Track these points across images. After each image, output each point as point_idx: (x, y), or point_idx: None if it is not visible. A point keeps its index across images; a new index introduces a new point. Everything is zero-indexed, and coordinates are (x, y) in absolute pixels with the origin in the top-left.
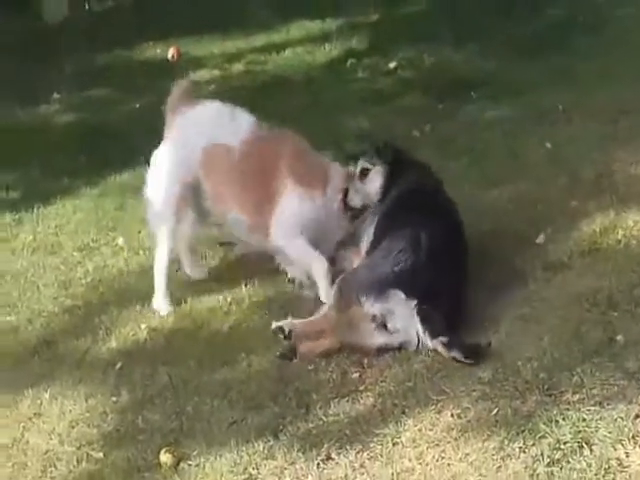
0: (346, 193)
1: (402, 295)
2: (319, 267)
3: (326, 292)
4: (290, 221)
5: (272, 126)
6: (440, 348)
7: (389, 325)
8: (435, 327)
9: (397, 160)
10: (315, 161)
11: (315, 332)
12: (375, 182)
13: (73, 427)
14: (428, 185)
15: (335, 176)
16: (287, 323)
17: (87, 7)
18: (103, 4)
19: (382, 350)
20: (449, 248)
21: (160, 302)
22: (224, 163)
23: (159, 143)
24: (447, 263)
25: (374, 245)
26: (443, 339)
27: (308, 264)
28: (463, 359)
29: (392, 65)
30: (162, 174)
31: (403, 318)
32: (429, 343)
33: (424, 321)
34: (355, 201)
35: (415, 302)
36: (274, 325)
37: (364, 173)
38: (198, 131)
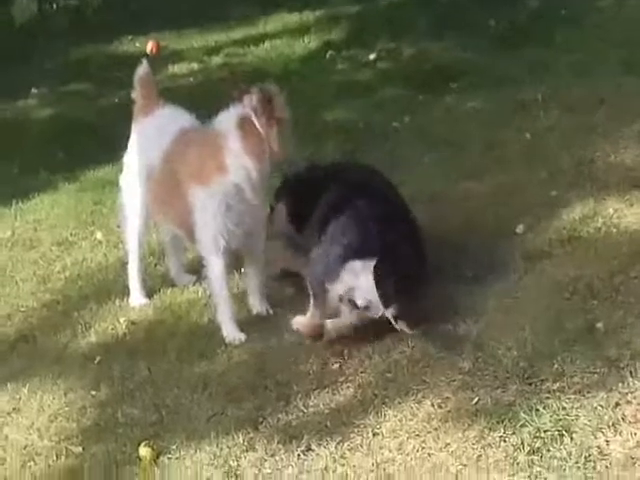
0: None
1: (358, 262)
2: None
3: None
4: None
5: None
6: (391, 320)
7: (358, 302)
8: (388, 293)
9: (303, 190)
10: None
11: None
12: (280, 217)
13: (52, 422)
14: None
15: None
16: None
17: (54, 6)
18: (68, 1)
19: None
20: (390, 206)
21: (135, 296)
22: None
23: None
24: (392, 219)
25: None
26: (393, 310)
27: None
28: (407, 330)
29: (371, 57)
30: (127, 179)
31: (368, 285)
32: (385, 312)
33: (378, 285)
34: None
35: (374, 261)
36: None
37: (271, 210)
38: (144, 145)
